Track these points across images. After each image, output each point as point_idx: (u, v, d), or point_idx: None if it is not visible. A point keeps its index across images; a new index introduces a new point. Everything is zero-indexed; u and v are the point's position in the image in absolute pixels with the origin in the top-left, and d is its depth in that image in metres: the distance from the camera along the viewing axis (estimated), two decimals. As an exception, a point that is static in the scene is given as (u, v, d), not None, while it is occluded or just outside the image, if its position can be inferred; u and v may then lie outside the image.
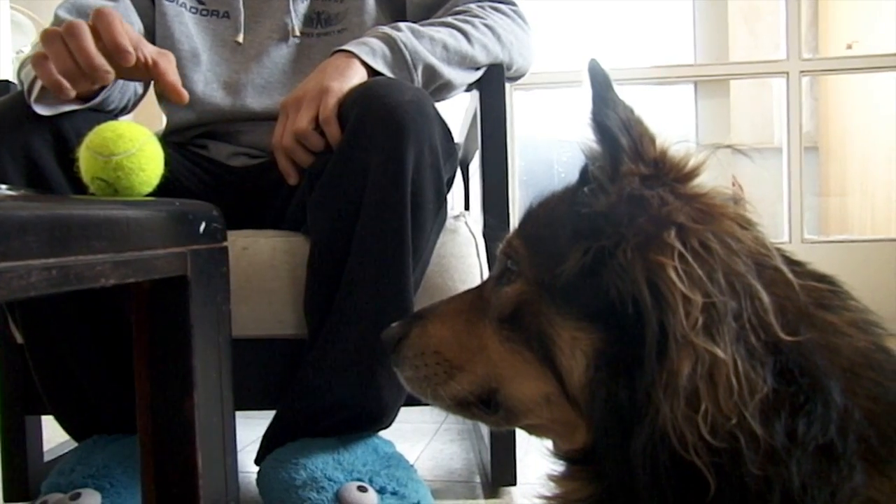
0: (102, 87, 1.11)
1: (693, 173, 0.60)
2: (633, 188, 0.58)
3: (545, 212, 0.68)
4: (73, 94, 0.99)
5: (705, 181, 0.60)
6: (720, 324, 0.53)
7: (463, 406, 0.71)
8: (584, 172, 0.64)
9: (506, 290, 0.66)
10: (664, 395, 0.53)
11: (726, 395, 0.52)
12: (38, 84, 1.04)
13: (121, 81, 1.18)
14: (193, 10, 1.41)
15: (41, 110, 1.07)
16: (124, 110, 1.32)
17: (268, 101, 1.37)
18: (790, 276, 0.56)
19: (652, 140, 0.61)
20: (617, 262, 0.57)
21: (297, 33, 1.40)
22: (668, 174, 0.59)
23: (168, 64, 1.05)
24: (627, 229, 0.57)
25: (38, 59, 0.99)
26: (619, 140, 0.59)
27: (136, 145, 0.82)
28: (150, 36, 1.40)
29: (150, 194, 0.84)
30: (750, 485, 0.51)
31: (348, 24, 1.40)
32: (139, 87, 1.32)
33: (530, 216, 0.70)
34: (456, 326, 0.71)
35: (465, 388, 0.69)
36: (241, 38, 1.39)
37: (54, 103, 1.08)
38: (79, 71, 0.98)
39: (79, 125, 1.11)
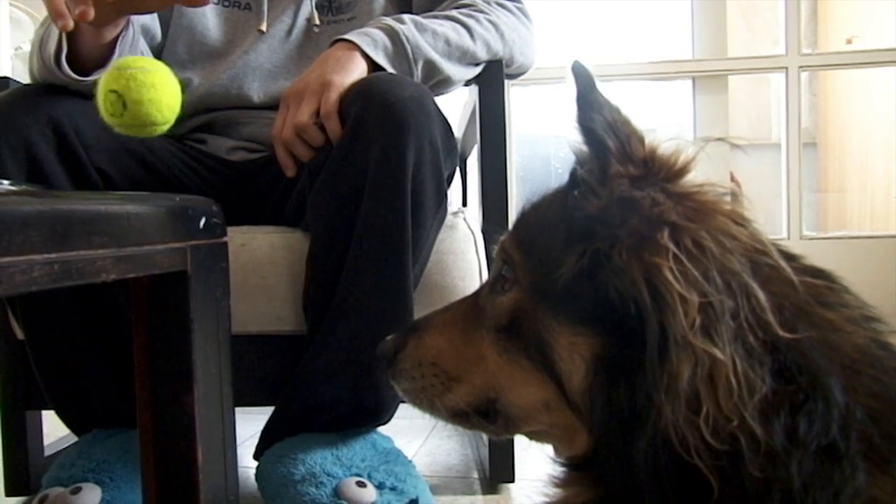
0: (114, 44, 1.13)
1: (683, 170, 0.58)
2: (622, 190, 0.57)
3: (538, 215, 0.67)
4: (70, 24, 0.95)
5: (697, 176, 0.58)
6: (718, 323, 0.52)
7: (461, 417, 0.70)
8: (574, 174, 0.63)
9: (501, 299, 0.66)
10: (665, 398, 0.52)
11: (726, 396, 0.51)
12: (54, 39, 1.07)
13: (130, 38, 1.17)
14: (215, 1, 1.42)
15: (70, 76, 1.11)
16: None
17: (271, 84, 1.37)
18: (787, 272, 0.56)
19: (640, 140, 0.60)
20: (614, 263, 0.56)
21: (318, 21, 1.40)
22: (657, 173, 0.58)
23: None
24: (621, 230, 0.56)
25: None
26: (606, 142, 0.58)
27: (153, 66, 0.91)
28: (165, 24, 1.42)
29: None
30: (749, 487, 0.51)
31: (358, 12, 1.41)
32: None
33: (523, 220, 0.68)
34: (453, 337, 0.71)
35: (463, 398, 0.68)
36: (263, 27, 1.40)
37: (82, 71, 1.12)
38: None
39: (77, 121, 1.11)
